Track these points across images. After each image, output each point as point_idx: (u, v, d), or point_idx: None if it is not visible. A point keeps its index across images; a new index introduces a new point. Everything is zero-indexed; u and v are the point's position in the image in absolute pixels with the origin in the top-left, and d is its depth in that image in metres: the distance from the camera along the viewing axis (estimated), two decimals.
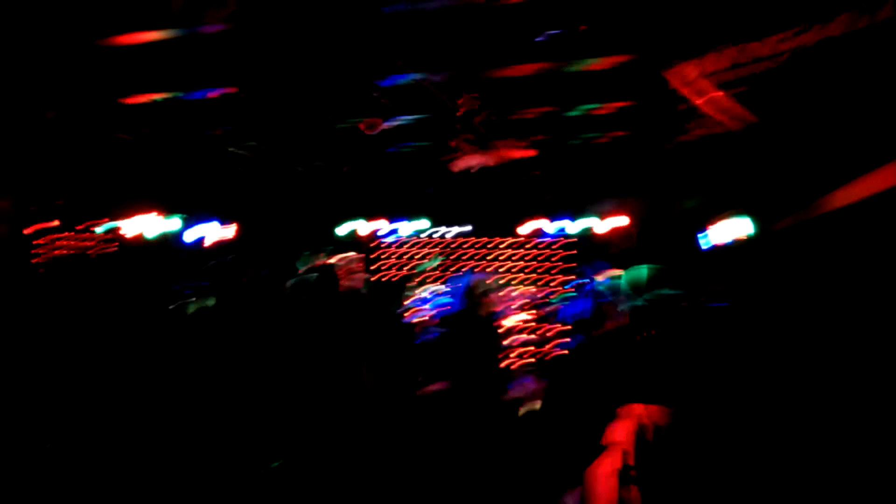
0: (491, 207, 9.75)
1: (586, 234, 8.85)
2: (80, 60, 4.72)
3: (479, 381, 4.82)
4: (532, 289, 8.92)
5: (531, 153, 6.48)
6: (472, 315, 5.02)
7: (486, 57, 4.58)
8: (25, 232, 8.30)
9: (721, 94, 3.66)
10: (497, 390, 4.87)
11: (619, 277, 7.94)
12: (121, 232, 8.06)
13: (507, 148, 6.32)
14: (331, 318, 3.78)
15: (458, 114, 4.67)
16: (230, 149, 7.27)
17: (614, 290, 6.88)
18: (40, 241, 9.93)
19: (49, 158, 7.17)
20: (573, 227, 8.98)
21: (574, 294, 6.79)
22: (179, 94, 5.41)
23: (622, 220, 8.28)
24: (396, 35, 4.03)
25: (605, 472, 2.92)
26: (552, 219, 9.12)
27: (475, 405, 4.78)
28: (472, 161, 5.91)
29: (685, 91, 3.95)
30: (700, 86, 3.78)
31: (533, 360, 8.18)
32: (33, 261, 8.93)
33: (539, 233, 9.22)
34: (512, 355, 7.27)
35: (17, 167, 6.89)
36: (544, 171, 8.86)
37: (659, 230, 8.08)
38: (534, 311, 7.55)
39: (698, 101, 3.84)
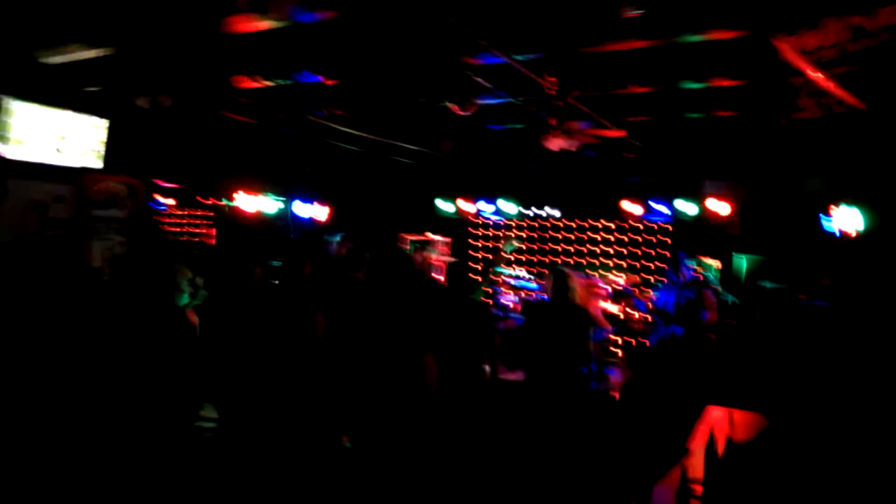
0: (588, 188, 9.50)
1: (687, 219, 8.42)
2: (194, 46, 5.03)
3: (557, 372, 4.74)
4: (625, 275, 8.64)
5: (623, 133, 6.21)
6: (558, 304, 4.93)
7: (581, 33, 4.44)
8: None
9: (823, 73, 3.35)
10: (577, 382, 4.77)
11: (714, 268, 7.58)
12: (235, 208, 8.53)
13: (603, 128, 6.11)
14: (410, 301, 3.80)
15: (550, 91, 4.55)
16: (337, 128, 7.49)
17: (708, 281, 6.57)
18: (162, 219, 10.81)
19: (166, 140, 7.72)
20: (674, 210, 8.56)
21: (667, 283, 6.51)
22: (284, 80, 5.64)
23: (725, 206, 7.80)
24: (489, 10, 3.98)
25: (667, 487, 2.78)
26: (653, 202, 8.73)
27: (550, 398, 4.71)
28: (566, 141, 5.75)
29: (798, 65, 3.65)
30: (808, 62, 3.48)
31: (620, 351, 7.96)
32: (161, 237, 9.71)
33: (638, 216, 8.88)
34: (597, 345, 7.10)
35: (141, 149, 7.48)
36: (646, 151, 8.52)
37: (766, 217, 7.55)
38: (625, 300, 7.31)
39: (811, 77, 3.54)
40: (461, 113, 4.95)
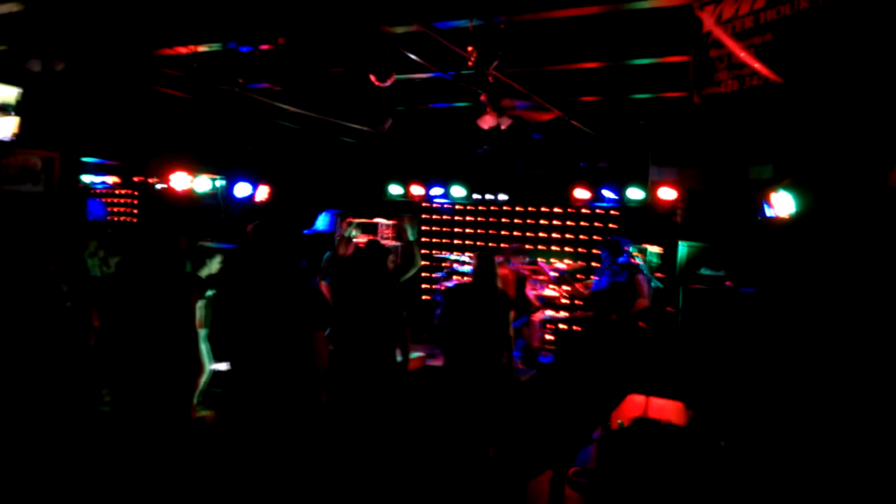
0: (537, 173, 9.32)
1: (635, 205, 8.29)
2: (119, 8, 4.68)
3: (473, 356, 4.55)
4: (566, 261, 8.50)
5: (557, 113, 6.02)
6: (479, 287, 4.72)
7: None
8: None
9: (738, 44, 3.17)
10: (492, 367, 4.58)
11: (653, 254, 7.47)
12: (169, 187, 8.13)
13: (537, 107, 5.90)
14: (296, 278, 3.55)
15: (469, 63, 4.30)
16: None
17: (643, 267, 6.44)
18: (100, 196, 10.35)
19: (95, 113, 7.30)
20: (622, 196, 8.43)
21: (600, 268, 6.36)
22: (220, 46, 5.29)
23: (671, 193, 7.67)
24: None
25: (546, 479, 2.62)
26: (601, 188, 8.60)
27: (465, 382, 4.52)
28: (497, 119, 5.53)
29: (717, 36, 3.47)
30: (722, 32, 3.30)
31: (550, 335, 7.82)
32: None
33: (586, 202, 8.73)
34: (529, 330, 6.93)
35: (64, 122, 7.05)
36: (595, 136, 8.37)
37: (710, 204, 7.44)
38: (562, 285, 7.16)
39: (730, 48, 3.35)
40: (380, 84, 4.67)
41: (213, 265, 4.92)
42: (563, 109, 6.59)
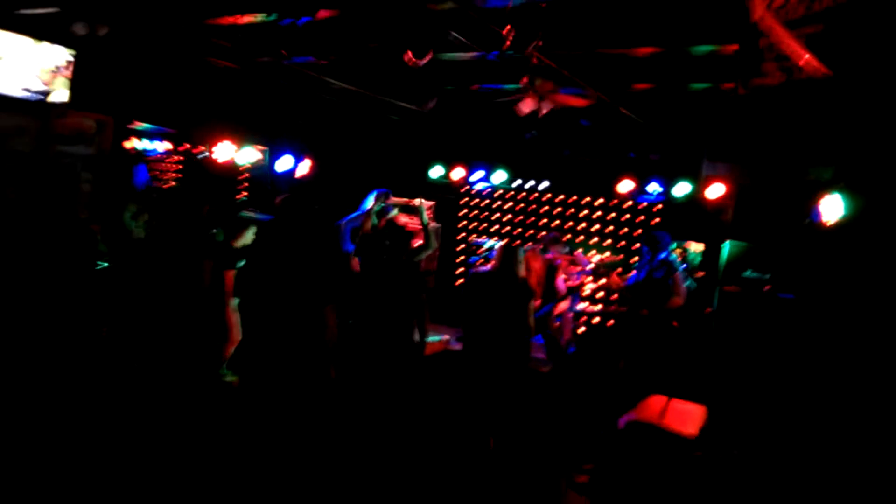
0: (582, 162, 9.08)
1: (680, 201, 7.98)
2: None
3: (493, 343, 4.46)
4: (606, 253, 8.27)
5: (594, 99, 5.79)
6: (501, 276, 4.63)
7: None
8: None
9: (789, 33, 2.95)
10: (511, 355, 4.48)
11: (695, 253, 7.18)
12: (211, 157, 8.29)
13: (579, 91, 5.70)
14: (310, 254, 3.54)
15: (506, 45, 4.17)
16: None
17: (678, 265, 6.19)
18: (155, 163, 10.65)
19: (145, 78, 7.46)
20: (668, 191, 8.13)
21: (645, 263, 6.13)
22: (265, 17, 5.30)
23: (720, 189, 7.34)
24: None
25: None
26: (648, 180, 8.30)
27: (483, 368, 4.44)
28: (537, 103, 5.36)
29: (767, 24, 3.24)
30: (773, 20, 3.07)
31: (578, 329, 7.64)
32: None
33: (630, 194, 8.46)
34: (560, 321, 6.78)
35: (117, 87, 7.24)
36: (645, 126, 8.07)
37: (760, 204, 7.07)
38: (599, 278, 6.97)
39: (779, 38, 3.13)
40: (416, 62, 4.59)
41: (248, 236, 4.97)
42: (612, 97, 6.34)
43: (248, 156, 8.24)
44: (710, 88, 6.59)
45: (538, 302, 7.02)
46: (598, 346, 4.50)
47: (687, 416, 3.88)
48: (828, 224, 4.79)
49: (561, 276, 7.03)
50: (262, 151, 8.82)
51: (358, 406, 4.32)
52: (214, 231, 4.96)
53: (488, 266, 4.94)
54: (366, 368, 4.41)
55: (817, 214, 5.06)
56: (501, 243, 8.35)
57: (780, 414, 3.77)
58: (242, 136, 8.35)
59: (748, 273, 6.12)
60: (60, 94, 6.50)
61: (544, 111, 5.53)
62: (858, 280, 4.32)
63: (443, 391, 4.76)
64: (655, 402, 4.16)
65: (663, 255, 6.06)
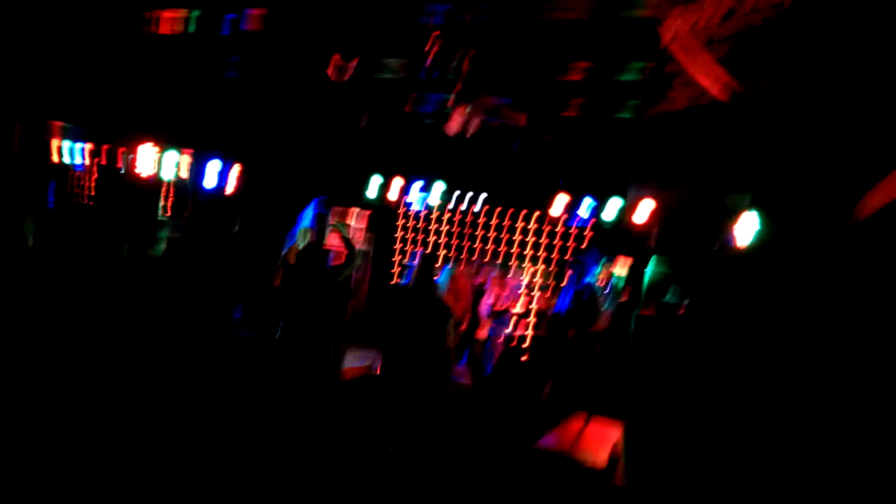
0: (515, 184, 9.15)
1: (608, 224, 8.11)
2: None
3: (409, 362, 4.36)
4: (537, 276, 8.32)
5: (523, 118, 5.85)
6: (418, 292, 4.54)
7: None
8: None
9: (695, 57, 3.02)
10: (428, 374, 4.38)
11: (619, 276, 7.29)
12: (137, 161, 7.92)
13: (504, 118, 5.73)
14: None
15: (426, 63, 4.14)
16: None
17: (598, 289, 6.27)
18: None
19: (59, 83, 7.10)
20: (597, 214, 8.25)
21: (571, 286, 6.17)
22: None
23: (645, 214, 7.49)
24: None
25: None
26: (576, 204, 8.42)
27: (398, 388, 4.33)
28: (463, 123, 5.35)
29: (673, 49, 3.31)
30: (686, 42, 3.14)
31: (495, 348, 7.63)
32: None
33: (560, 217, 8.55)
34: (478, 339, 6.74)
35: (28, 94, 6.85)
36: (573, 151, 8.22)
37: (685, 228, 7.25)
38: (527, 301, 6.97)
39: (685, 63, 3.20)
40: (337, 80, 4.50)
41: (159, 249, 4.76)
42: (541, 123, 6.42)
43: (171, 166, 7.92)
44: (635, 116, 6.77)
45: (464, 325, 6.97)
46: (516, 368, 4.45)
47: (601, 439, 3.84)
48: (740, 248, 4.92)
49: (487, 300, 7.01)
50: (190, 155, 8.50)
51: (262, 433, 4.12)
52: (124, 245, 4.73)
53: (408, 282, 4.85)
54: (274, 392, 4.23)
55: (731, 239, 5.19)
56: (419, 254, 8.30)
57: (690, 448, 3.80)
58: (167, 143, 8.04)
59: (668, 297, 6.22)
60: None
61: (469, 133, 5.53)
62: (761, 303, 4.44)
63: (355, 416, 4.61)
64: (574, 423, 4.13)
65: (589, 279, 6.11)
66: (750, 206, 6.28)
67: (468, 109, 5.29)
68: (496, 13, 4.03)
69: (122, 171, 8.00)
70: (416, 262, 4.66)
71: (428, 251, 5.01)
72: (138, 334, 4.35)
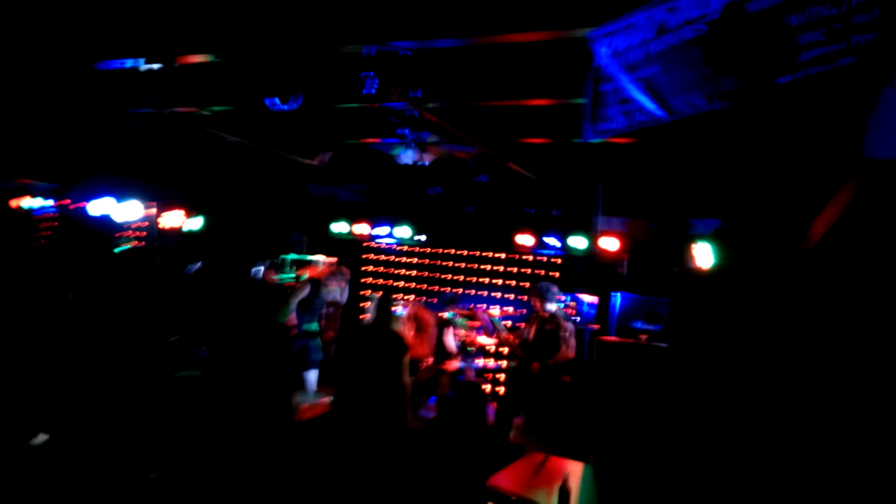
0: (483, 218, 9.08)
1: (578, 254, 8.02)
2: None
3: (363, 401, 4.17)
4: (508, 307, 8.17)
5: (475, 150, 5.77)
6: (375, 330, 4.38)
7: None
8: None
9: (626, 76, 2.94)
10: (381, 413, 4.19)
11: (588, 304, 7.16)
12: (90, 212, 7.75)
13: (461, 147, 5.64)
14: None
15: (363, 92, 4.05)
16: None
17: (564, 316, 6.12)
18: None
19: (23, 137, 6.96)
20: (566, 245, 8.17)
21: (535, 316, 6.01)
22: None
23: (615, 243, 7.41)
24: None
25: None
26: (546, 235, 8.34)
27: (352, 426, 4.13)
28: (419, 154, 5.26)
29: (607, 69, 3.23)
30: (613, 65, 3.07)
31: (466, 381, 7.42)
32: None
33: (530, 248, 8.46)
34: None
35: None
36: (541, 182, 8.18)
37: (654, 255, 7.18)
38: (494, 334, 6.79)
39: (618, 82, 3.11)
40: (283, 108, 4.40)
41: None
42: (501, 151, 6.34)
43: (129, 213, 7.74)
44: (602, 144, 6.72)
45: (430, 360, 6.77)
46: (470, 401, 4.26)
47: (554, 479, 3.62)
48: (698, 273, 4.83)
49: (450, 334, 6.84)
50: (152, 207, 8.36)
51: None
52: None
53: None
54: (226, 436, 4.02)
55: (691, 263, 5.10)
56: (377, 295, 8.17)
57: (655, 469, 3.61)
58: (128, 192, 7.88)
59: (637, 324, 6.10)
60: None
61: (427, 162, 5.43)
62: (710, 327, 4.33)
63: (309, 455, 4.39)
64: (530, 461, 3.92)
65: (553, 307, 5.96)
66: (714, 232, 6.23)
67: (416, 142, 5.20)
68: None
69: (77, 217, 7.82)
70: (374, 299, 4.51)
71: (385, 290, 4.85)
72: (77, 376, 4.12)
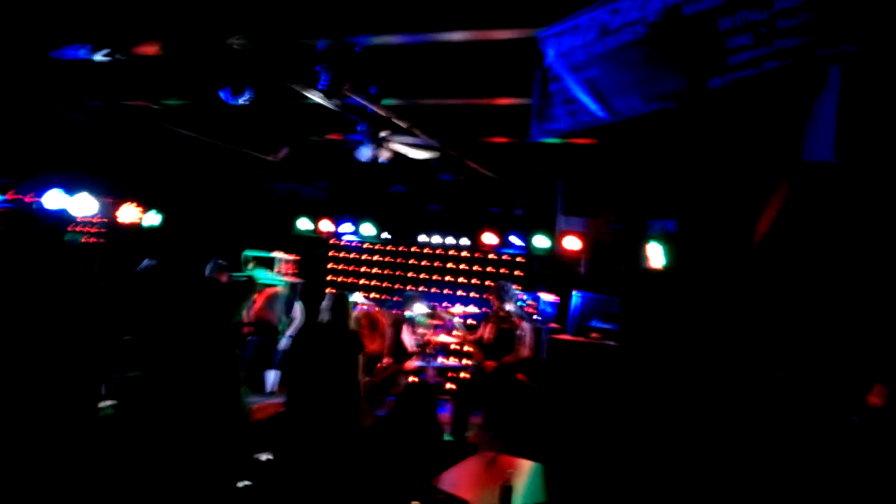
0: (448, 215, 9.09)
1: (541, 254, 8.08)
2: None
3: (316, 402, 4.14)
4: (470, 307, 8.19)
5: (437, 150, 5.76)
6: (330, 329, 4.34)
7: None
8: None
9: (571, 77, 2.96)
10: (334, 414, 4.17)
11: (547, 303, 7.21)
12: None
13: (419, 143, 5.63)
14: None
15: (318, 87, 4.01)
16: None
17: (524, 315, 6.16)
18: None
19: None
20: (529, 244, 8.23)
21: (492, 315, 6.02)
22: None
23: (576, 243, 7.47)
24: None
25: None
26: (510, 234, 8.40)
27: (302, 426, 4.11)
28: (375, 151, 5.23)
29: (553, 69, 3.24)
30: (559, 65, 3.09)
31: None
32: None
33: (494, 247, 8.50)
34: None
35: None
36: (504, 181, 8.22)
37: (612, 255, 7.25)
38: (454, 332, 6.79)
39: (564, 82, 3.13)
40: (234, 101, 4.33)
41: None
42: (461, 150, 6.34)
43: (83, 207, 7.56)
44: (562, 143, 6.76)
45: (388, 359, 6.75)
46: (420, 400, 4.26)
47: (500, 479, 3.63)
48: (650, 272, 4.89)
49: (407, 332, 6.82)
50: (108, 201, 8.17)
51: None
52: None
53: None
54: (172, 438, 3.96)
55: (644, 262, 5.17)
56: (361, 296, 8.13)
57: (605, 465, 3.65)
58: (81, 186, 7.68)
59: (594, 322, 6.16)
60: None
61: (383, 159, 5.41)
62: (666, 325, 4.40)
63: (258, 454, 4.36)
64: (477, 461, 3.92)
65: (512, 306, 5.98)
66: (664, 232, 6.33)
67: (376, 140, 5.17)
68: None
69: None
70: (329, 297, 4.47)
71: (340, 289, 4.83)
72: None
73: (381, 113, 5.05)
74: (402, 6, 3.92)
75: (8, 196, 8.27)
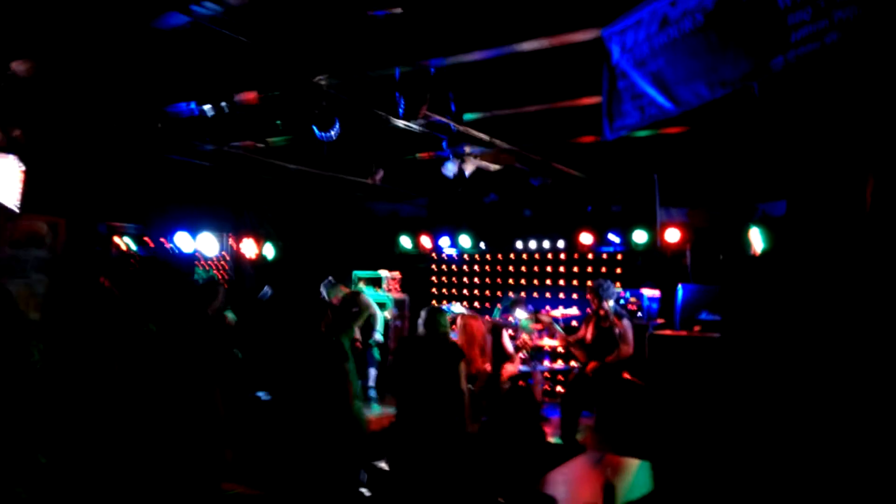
0: (543, 219, 9.09)
1: (639, 249, 7.90)
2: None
3: (423, 410, 4.35)
4: (573, 309, 8.13)
5: (513, 156, 5.82)
6: (428, 340, 4.54)
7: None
8: None
9: (637, 72, 2.96)
10: (441, 422, 4.35)
11: (650, 299, 7.00)
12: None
13: (499, 152, 5.74)
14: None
15: (399, 111, 4.24)
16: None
17: (621, 312, 6.01)
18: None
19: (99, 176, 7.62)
20: (626, 239, 8.06)
21: (593, 315, 5.97)
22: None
23: (676, 234, 7.26)
24: None
25: None
26: (605, 231, 8.27)
27: (414, 435, 4.32)
28: (458, 165, 5.41)
29: (621, 65, 3.27)
30: (626, 61, 3.10)
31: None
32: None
33: (591, 246, 8.40)
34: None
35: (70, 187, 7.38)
36: (596, 180, 8.14)
37: (719, 243, 6.96)
38: (553, 335, 6.79)
39: (631, 78, 3.15)
40: (323, 136, 4.66)
41: None
42: (553, 153, 6.37)
43: (207, 246, 8.29)
44: (653, 135, 6.61)
45: (488, 367, 6.85)
46: (519, 404, 4.32)
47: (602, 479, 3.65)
48: (755, 257, 4.68)
49: (507, 337, 6.90)
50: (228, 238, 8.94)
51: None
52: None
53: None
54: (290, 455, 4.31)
55: (749, 248, 4.95)
56: (460, 306, 8.31)
57: (713, 465, 3.55)
58: (202, 225, 8.46)
59: (703, 315, 5.95)
60: (11, 197, 6.63)
61: (468, 172, 5.57)
62: (773, 312, 4.16)
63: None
64: (582, 461, 3.95)
65: (609, 304, 5.92)
66: (763, 216, 6.00)
67: (455, 154, 5.35)
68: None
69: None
70: (423, 312, 4.67)
71: (434, 303, 5.03)
72: None
73: (461, 128, 5.22)
74: (473, 25, 4.07)
75: (140, 240, 9.24)
